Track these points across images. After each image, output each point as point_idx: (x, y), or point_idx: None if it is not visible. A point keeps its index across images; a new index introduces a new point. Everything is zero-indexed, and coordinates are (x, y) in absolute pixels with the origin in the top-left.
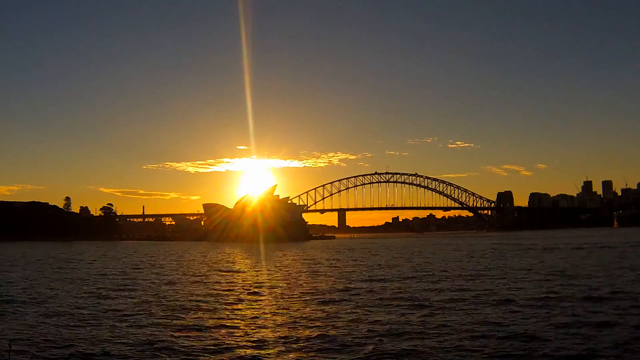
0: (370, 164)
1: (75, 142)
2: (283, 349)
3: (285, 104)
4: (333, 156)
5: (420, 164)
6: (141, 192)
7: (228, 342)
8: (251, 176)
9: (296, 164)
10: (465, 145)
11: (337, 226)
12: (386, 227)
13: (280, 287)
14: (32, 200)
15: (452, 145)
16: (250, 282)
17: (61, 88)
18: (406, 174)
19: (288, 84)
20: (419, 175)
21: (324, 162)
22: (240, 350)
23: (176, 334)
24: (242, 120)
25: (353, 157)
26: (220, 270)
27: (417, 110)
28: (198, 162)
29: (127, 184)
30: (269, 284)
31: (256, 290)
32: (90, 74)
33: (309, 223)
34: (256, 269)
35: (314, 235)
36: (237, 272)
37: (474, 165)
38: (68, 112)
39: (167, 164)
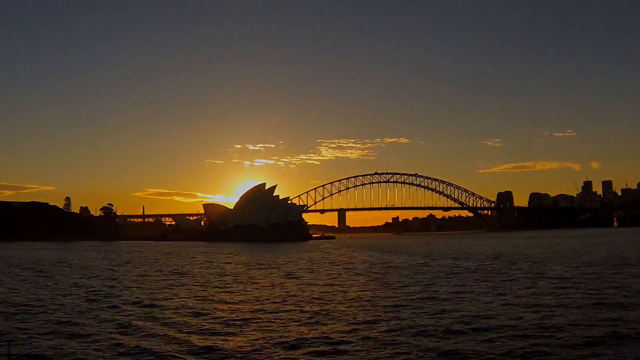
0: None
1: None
2: None
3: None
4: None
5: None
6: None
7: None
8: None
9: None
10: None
11: (337, 226)
12: (386, 227)
13: None
14: (34, 201)
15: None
16: None
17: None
18: (406, 174)
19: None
20: (419, 176)
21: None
22: None
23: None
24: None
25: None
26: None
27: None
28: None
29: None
30: None
31: None
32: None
33: (309, 223)
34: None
35: (314, 235)
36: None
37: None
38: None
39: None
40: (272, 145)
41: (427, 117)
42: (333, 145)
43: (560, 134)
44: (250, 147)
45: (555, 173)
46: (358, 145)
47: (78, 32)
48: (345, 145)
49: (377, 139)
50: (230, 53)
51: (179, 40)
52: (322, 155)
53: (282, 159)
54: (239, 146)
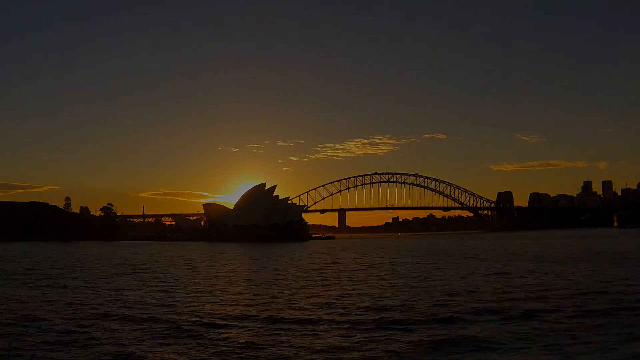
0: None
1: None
2: None
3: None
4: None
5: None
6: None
7: None
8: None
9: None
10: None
11: (337, 226)
12: (386, 227)
13: None
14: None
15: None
16: None
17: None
18: (406, 174)
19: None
20: (419, 176)
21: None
22: None
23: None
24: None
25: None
26: None
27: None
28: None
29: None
30: None
31: None
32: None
33: (309, 223)
34: None
35: (314, 235)
36: None
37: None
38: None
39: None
40: (302, 141)
41: (465, 114)
42: (365, 142)
43: (602, 129)
44: (280, 142)
45: (579, 171)
46: (392, 141)
47: (81, 32)
48: (378, 141)
49: (414, 135)
50: (257, 49)
51: (194, 36)
52: (351, 152)
53: (308, 156)
54: (267, 142)
